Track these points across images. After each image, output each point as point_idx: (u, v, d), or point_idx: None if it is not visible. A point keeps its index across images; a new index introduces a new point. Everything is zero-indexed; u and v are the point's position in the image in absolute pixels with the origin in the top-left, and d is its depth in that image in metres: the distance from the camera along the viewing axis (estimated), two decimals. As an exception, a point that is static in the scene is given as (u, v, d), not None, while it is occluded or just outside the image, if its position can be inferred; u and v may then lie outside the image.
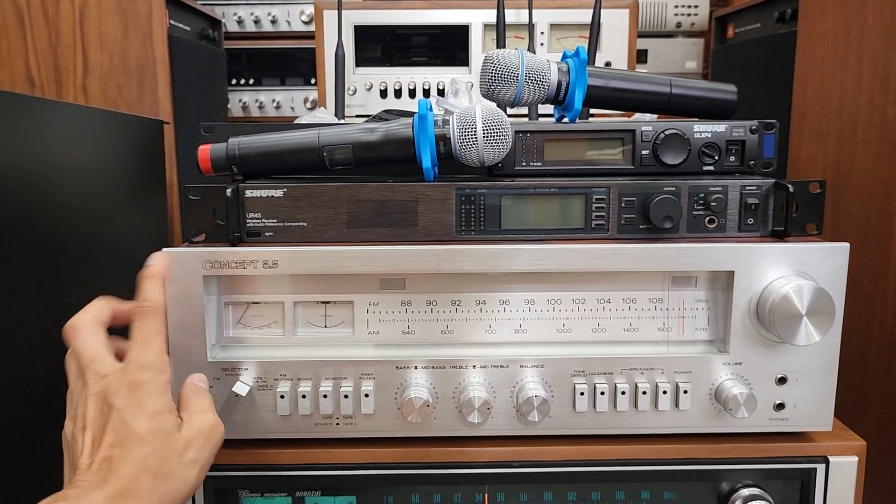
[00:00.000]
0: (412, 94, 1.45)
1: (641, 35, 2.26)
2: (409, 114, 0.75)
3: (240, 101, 2.27)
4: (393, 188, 0.70)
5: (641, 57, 2.27)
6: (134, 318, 0.62)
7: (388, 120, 0.76)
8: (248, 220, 0.70)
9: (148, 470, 0.54)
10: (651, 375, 0.70)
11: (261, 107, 2.27)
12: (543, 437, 0.71)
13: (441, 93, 1.37)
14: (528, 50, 1.28)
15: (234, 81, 2.26)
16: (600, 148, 0.76)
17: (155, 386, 0.58)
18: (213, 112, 1.62)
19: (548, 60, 0.78)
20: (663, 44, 2.29)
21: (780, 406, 0.70)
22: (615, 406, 0.70)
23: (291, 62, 2.27)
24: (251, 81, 2.28)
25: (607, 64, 1.41)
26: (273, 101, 2.28)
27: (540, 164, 0.75)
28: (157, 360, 0.59)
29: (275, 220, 0.70)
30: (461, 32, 1.42)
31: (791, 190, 0.69)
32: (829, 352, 0.69)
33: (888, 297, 0.86)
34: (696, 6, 2.25)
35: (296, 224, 0.70)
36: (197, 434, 0.58)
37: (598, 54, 1.40)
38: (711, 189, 0.71)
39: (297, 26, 2.25)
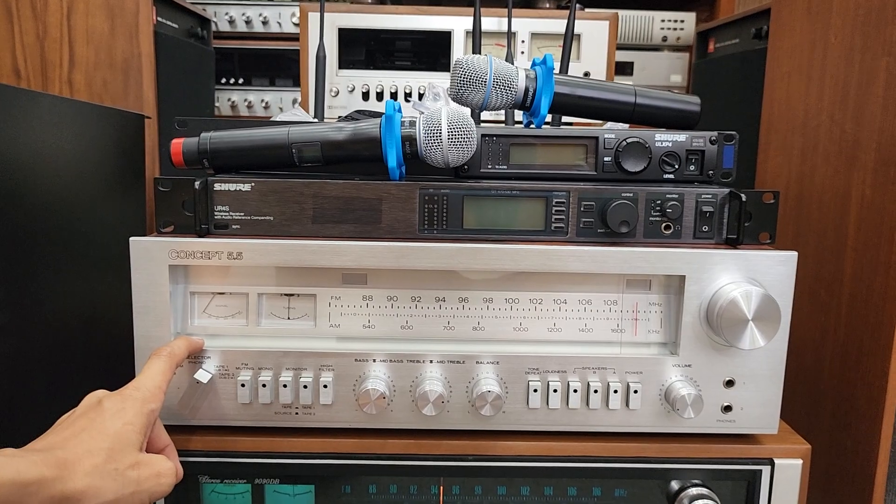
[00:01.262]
0: (394, 97, 1.47)
1: (628, 47, 2.30)
2: (381, 115, 0.77)
3: (229, 100, 2.29)
4: (358, 186, 0.72)
5: (627, 69, 2.30)
6: (151, 356, 0.66)
7: (358, 120, 0.78)
8: (216, 213, 0.72)
9: (93, 457, 0.55)
10: (603, 375, 0.72)
11: (249, 106, 2.29)
12: (498, 432, 0.73)
13: (421, 97, 1.39)
14: (507, 58, 1.30)
15: (223, 80, 2.28)
16: (564, 154, 0.78)
17: (140, 405, 0.60)
18: (200, 110, 1.64)
19: (516, 67, 0.80)
20: (650, 57, 2.32)
21: (728, 408, 0.72)
22: (567, 403, 0.72)
23: (281, 63, 2.29)
24: (240, 81, 2.29)
25: (586, 74, 1.44)
26: (262, 101, 2.29)
27: (505, 167, 0.77)
28: (152, 389, 0.62)
29: (242, 214, 0.72)
30: (444, 39, 1.45)
31: (744, 199, 0.72)
32: (776, 357, 0.71)
33: (842, 307, 0.89)
34: (682, 21, 2.29)
35: (262, 218, 0.72)
36: (150, 465, 0.59)
37: (577, 64, 1.43)
38: (668, 196, 0.73)
39: (288, 27, 2.27)
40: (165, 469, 0.60)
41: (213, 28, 1.95)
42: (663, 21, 2.28)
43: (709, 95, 0.86)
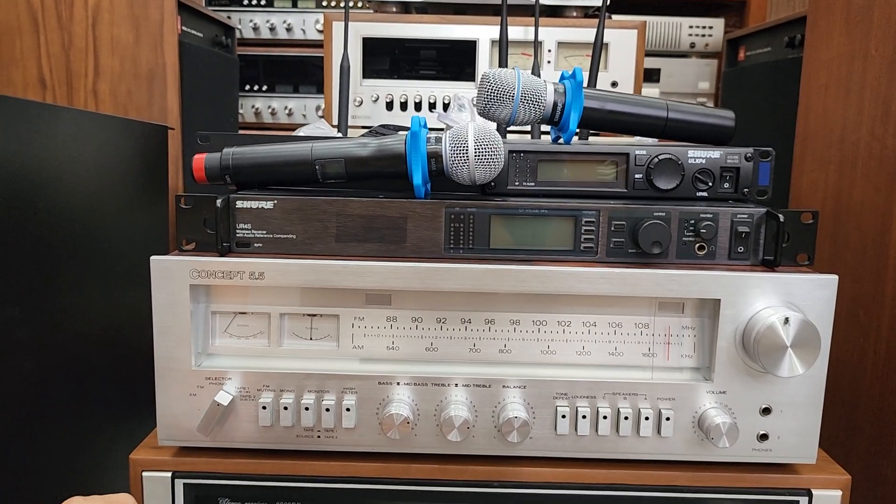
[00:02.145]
0: (418, 107, 1.45)
1: (655, 54, 2.27)
2: (407, 129, 0.75)
3: (252, 107, 2.29)
4: (383, 204, 0.70)
5: (654, 76, 2.27)
6: None
7: (383, 135, 0.76)
8: (237, 231, 0.71)
9: None
10: (634, 401, 0.69)
11: (273, 113, 2.30)
12: (524, 459, 0.71)
13: (446, 107, 1.38)
14: (534, 68, 1.28)
15: (247, 87, 2.28)
16: (594, 170, 0.76)
17: None
18: (224, 118, 1.64)
19: (545, 81, 0.78)
20: (677, 63, 2.29)
21: (764, 437, 0.69)
22: (597, 430, 0.69)
23: (305, 70, 2.29)
24: (265, 88, 2.30)
25: (613, 84, 1.41)
26: (285, 108, 2.30)
27: (533, 184, 0.75)
28: None
29: (264, 232, 0.71)
30: (469, 48, 1.43)
31: (782, 220, 0.69)
32: (815, 384, 0.68)
33: (882, 329, 0.86)
34: (710, 27, 2.25)
35: (285, 236, 0.71)
36: None
37: (604, 74, 1.40)
38: (702, 216, 0.71)
39: (312, 34, 2.27)
40: None
41: (238, 35, 1.95)
42: (691, 27, 2.25)
43: (739, 105, 0.83)
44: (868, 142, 0.89)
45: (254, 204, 0.70)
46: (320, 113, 2.29)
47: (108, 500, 0.59)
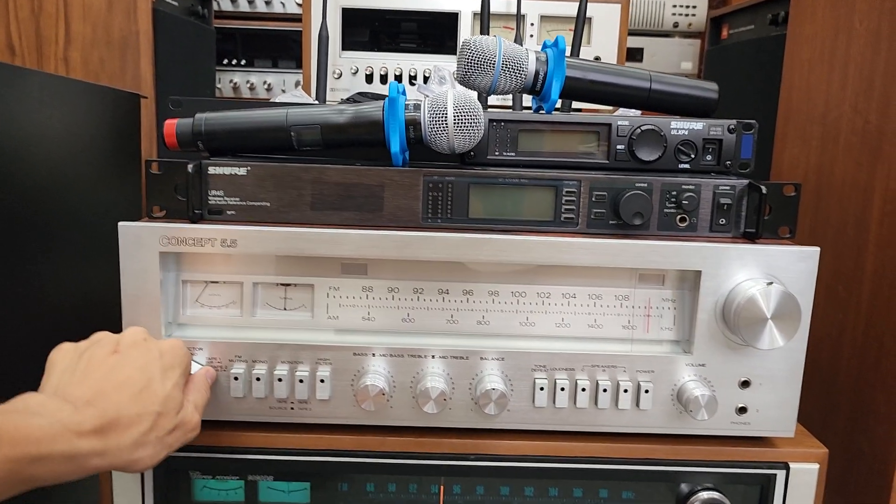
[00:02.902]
0: (398, 80, 1.43)
1: (638, 33, 2.25)
2: (384, 97, 0.73)
3: (231, 81, 2.25)
4: (360, 172, 0.69)
5: (637, 55, 2.26)
6: None
7: (360, 102, 0.74)
8: (210, 198, 0.69)
9: (142, 423, 0.55)
10: (613, 373, 0.69)
11: (251, 88, 2.26)
12: (502, 431, 0.70)
13: (426, 80, 1.36)
14: (516, 41, 1.26)
15: (225, 61, 2.24)
16: (575, 141, 0.74)
17: (186, 363, 0.62)
18: (199, 90, 1.60)
19: (526, 49, 0.76)
20: (660, 43, 2.28)
21: (743, 410, 0.69)
22: (575, 403, 0.68)
23: (284, 44, 2.25)
24: (243, 62, 2.26)
25: (596, 59, 1.40)
26: (264, 82, 2.26)
27: (513, 154, 0.74)
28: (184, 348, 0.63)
29: (237, 199, 0.69)
30: (450, 20, 1.41)
31: (764, 192, 0.68)
32: (795, 357, 0.68)
33: (861, 305, 0.86)
34: (694, 6, 2.24)
35: (259, 204, 0.69)
36: (184, 426, 0.60)
37: (587, 49, 1.39)
38: (684, 187, 0.70)
39: (292, 8, 2.23)
40: (194, 423, 0.61)
41: (215, 7, 1.91)
42: (675, 6, 2.24)
43: (722, 83, 0.82)
44: (851, 117, 0.89)
45: (226, 170, 0.68)
46: (300, 87, 2.25)
47: (159, 344, 0.61)
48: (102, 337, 0.60)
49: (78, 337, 0.61)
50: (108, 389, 0.55)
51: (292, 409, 0.68)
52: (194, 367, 0.66)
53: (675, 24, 2.26)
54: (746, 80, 1.45)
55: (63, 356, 0.58)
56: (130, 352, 0.59)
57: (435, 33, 1.42)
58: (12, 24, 1.26)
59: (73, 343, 0.60)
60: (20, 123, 0.79)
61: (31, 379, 0.59)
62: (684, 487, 0.71)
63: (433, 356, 0.68)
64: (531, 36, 1.38)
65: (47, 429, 0.49)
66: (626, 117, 0.73)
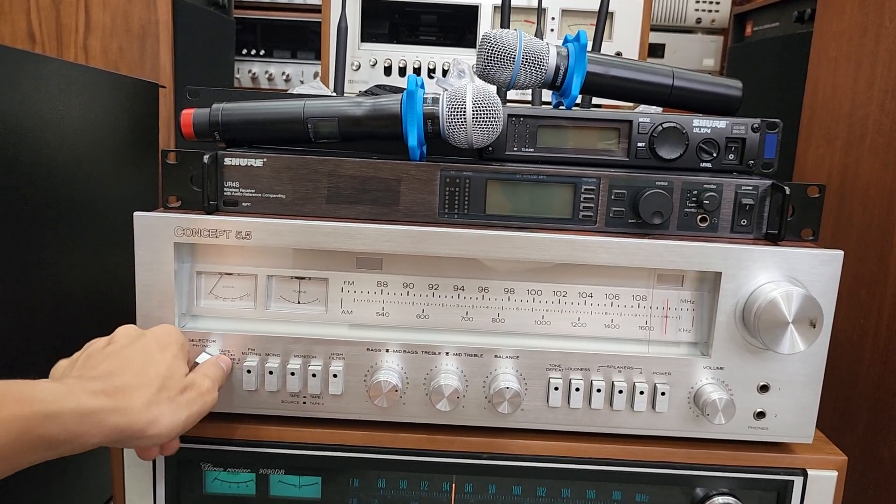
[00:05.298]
0: (417, 72, 1.42)
1: (660, 29, 2.23)
2: (402, 90, 0.72)
3: (249, 71, 2.25)
4: (376, 165, 0.68)
5: (658, 51, 2.23)
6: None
7: (378, 95, 0.73)
8: (225, 189, 0.68)
9: (149, 387, 0.56)
10: (629, 374, 0.68)
11: (270, 79, 2.26)
12: (515, 430, 0.69)
13: (445, 73, 1.35)
14: (537, 35, 1.25)
15: (244, 52, 2.24)
16: (595, 137, 0.73)
17: (182, 339, 0.63)
18: (218, 80, 1.60)
19: (547, 43, 0.75)
20: (682, 39, 2.25)
21: (761, 415, 0.68)
22: (590, 403, 0.68)
23: (303, 35, 2.25)
24: (262, 52, 2.25)
25: (617, 54, 1.38)
26: (283, 73, 2.26)
27: (532, 150, 0.73)
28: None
29: (253, 191, 0.68)
30: (470, 13, 1.39)
31: (788, 192, 0.67)
32: (815, 362, 0.67)
33: (884, 309, 0.84)
34: (717, 2, 2.21)
35: (274, 196, 0.68)
36: (196, 386, 0.60)
37: (609, 44, 1.37)
38: (705, 187, 0.68)
39: (311, -1, 2.23)
40: (207, 387, 0.61)
41: (235, -3, 1.90)
42: (698, 2, 2.21)
43: (745, 81, 0.80)
44: (878, 117, 0.87)
45: (242, 162, 0.68)
46: (318, 78, 2.25)
47: (151, 330, 0.62)
48: (95, 340, 0.61)
49: (92, 326, 0.62)
50: (112, 368, 0.56)
51: (305, 403, 0.68)
52: (205, 358, 0.66)
53: (698, 20, 2.23)
54: (770, 78, 1.43)
55: (61, 364, 0.60)
56: (124, 340, 0.60)
57: (455, 26, 1.41)
58: (33, 12, 1.26)
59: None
60: (39, 111, 0.79)
61: (44, 369, 0.59)
62: (699, 492, 0.70)
63: (447, 353, 0.67)
64: (552, 30, 1.36)
65: (55, 390, 0.50)
66: (647, 114, 0.72)
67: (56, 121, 0.82)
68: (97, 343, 0.60)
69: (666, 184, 0.68)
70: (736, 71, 1.72)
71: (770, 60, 1.45)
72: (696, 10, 2.22)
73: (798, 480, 0.68)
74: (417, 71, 1.41)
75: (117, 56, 1.28)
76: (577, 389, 0.67)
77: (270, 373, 0.67)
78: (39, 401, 0.48)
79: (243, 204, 0.69)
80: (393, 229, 0.65)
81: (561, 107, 0.77)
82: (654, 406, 0.68)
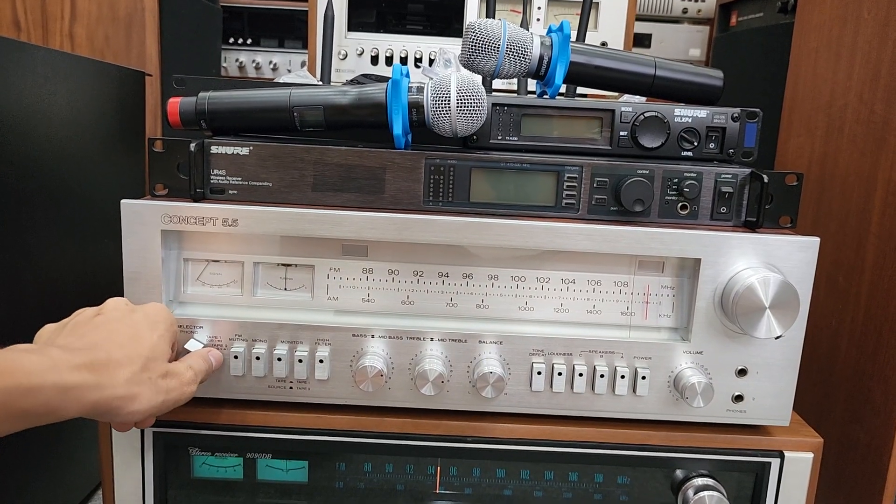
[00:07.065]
0: (403, 62, 1.42)
1: (646, 19, 2.24)
2: (388, 79, 0.73)
3: (236, 60, 2.25)
4: (361, 153, 0.69)
5: (645, 41, 2.24)
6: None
7: (363, 84, 0.74)
8: (212, 177, 0.69)
9: (132, 364, 0.56)
10: (610, 359, 0.69)
11: (257, 68, 2.25)
12: (499, 414, 0.71)
13: (432, 63, 1.35)
14: (522, 25, 1.25)
15: (231, 40, 2.23)
16: (578, 126, 0.74)
17: (170, 321, 0.63)
18: (205, 69, 1.60)
19: (531, 33, 0.76)
20: (668, 29, 2.26)
21: (739, 398, 0.69)
22: (572, 387, 0.69)
23: (291, 24, 2.24)
24: (249, 41, 2.25)
25: (603, 44, 1.39)
26: (270, 62, 2.25)
27: (516, 138, 0.74)
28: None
29: (239, 179, 0.69)
30: (457, 2, 1.40)
31: (766, 181, 0.68)
32: (792, 347, 0.68)
33: (861, 296, 0.86)
34: (703, -7, 2.22)
35: (260, 184, 0.69)
36: (178, 376, 0.61)
37: (594, 34, 1.38)
38: (686, 175, 0.70)
39: (299, -13, 2.22)
40: (189, 378, 0.62)
41: (222, -15, 1.89)
42: (684, -8, 2.22)
43: (730, 71, 0.81)
44: (856, 107, 0.88)
45: (229, 150, 0.68)
46: (305, 67, 2.24)
47: (142, 307, 0.63)
48: (84, 309, 0.61)
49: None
50: (98, 340, 0.56)
51: (291, 388, 0.69)
52: (195, 346, 0.67)
53: (684, 11, 2.24)
54: (755, 67, 1.44)
55: (48, 327, 0.60)
56: (114, 313, 0.60)
57: (441, 15, 1.41)
58: (18, 0, 1.26)
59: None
60: (25, 99, 0.79)
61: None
62: (679, 473, 0.71)
63: (432, 339, 0.68)
64: (538, 20, 1.37)
65: (38, 363, 0.49)
66: (629, 104, 0.73)
67: (42, 109, 0.82)
68: (86, 312, 0.60)
69: (647, 172, 0.69)
70: (721, 61, 1.74)
71: (754, 50, 1.47)
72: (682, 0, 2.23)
73: (775, 462, 0.70)
74: (404, 60, 1.42)
75: (103, 44, 1.28)
76: (560, 374, 0.68)
77: (257, 358, 0.67)
78: (24, 373, 0.48)
79: (230, 192, 0.69)
80: (378, 217, 0.66)
81: (545, 96, 0.78)
82: (634, 390, 0.69)
